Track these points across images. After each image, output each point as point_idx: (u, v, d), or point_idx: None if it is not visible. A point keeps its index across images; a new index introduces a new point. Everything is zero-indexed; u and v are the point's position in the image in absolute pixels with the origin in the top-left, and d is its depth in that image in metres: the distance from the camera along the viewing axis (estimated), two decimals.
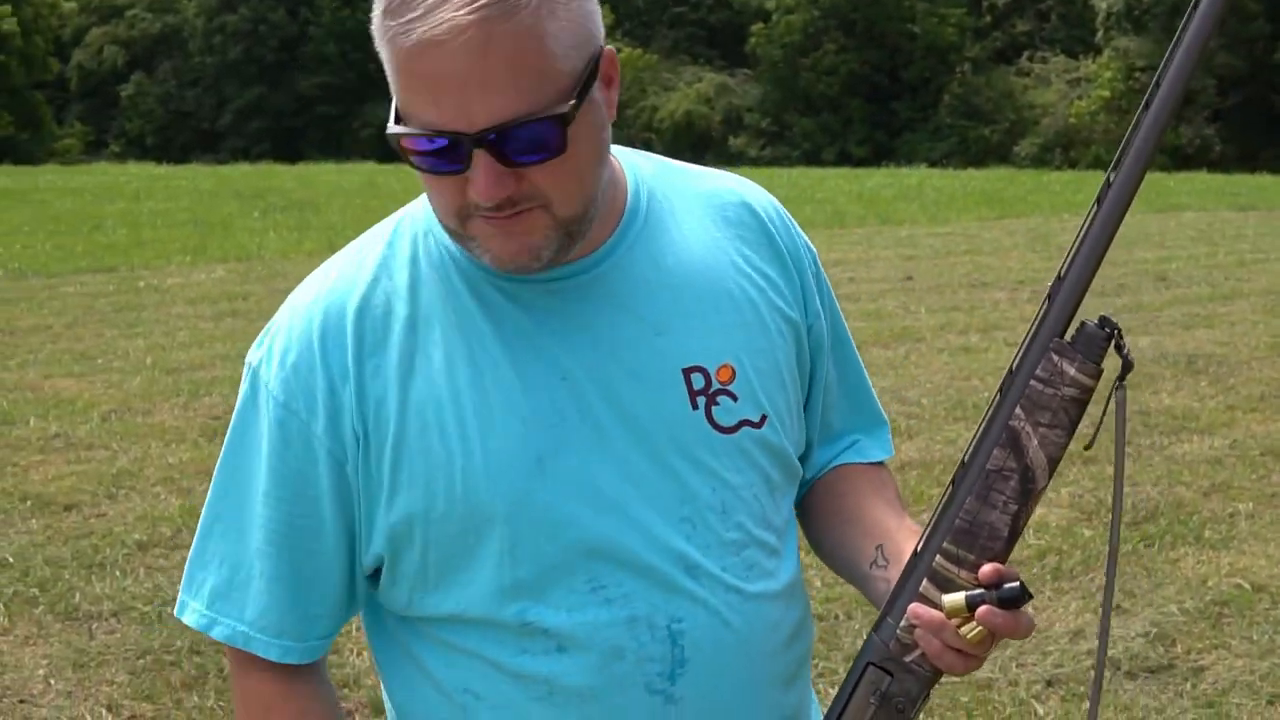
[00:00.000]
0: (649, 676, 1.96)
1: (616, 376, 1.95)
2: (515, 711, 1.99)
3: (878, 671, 1.92)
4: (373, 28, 1.78)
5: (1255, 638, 6.58)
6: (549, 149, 1.74)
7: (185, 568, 2.06)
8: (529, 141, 1.73)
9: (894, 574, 1.98)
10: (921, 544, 1.91)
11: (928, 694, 1.94)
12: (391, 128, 1.80)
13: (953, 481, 1.89)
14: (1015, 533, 1.86)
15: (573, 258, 1.92)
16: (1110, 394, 1.85)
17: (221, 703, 5.92)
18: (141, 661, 6.32)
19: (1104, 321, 1.83)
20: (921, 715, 1.97)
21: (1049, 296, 1.83)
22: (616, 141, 1.99)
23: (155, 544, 7.82)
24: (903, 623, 1.89)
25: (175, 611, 2.08)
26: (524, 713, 1.98)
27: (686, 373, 1.98)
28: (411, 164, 1.81)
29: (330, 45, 73.40)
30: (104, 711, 5.89)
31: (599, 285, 1.97)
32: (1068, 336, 1.84)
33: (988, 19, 71.92)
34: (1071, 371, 1.81)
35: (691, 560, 1.97)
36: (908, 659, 1.90)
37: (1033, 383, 1.82)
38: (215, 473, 2.05)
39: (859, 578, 2.14)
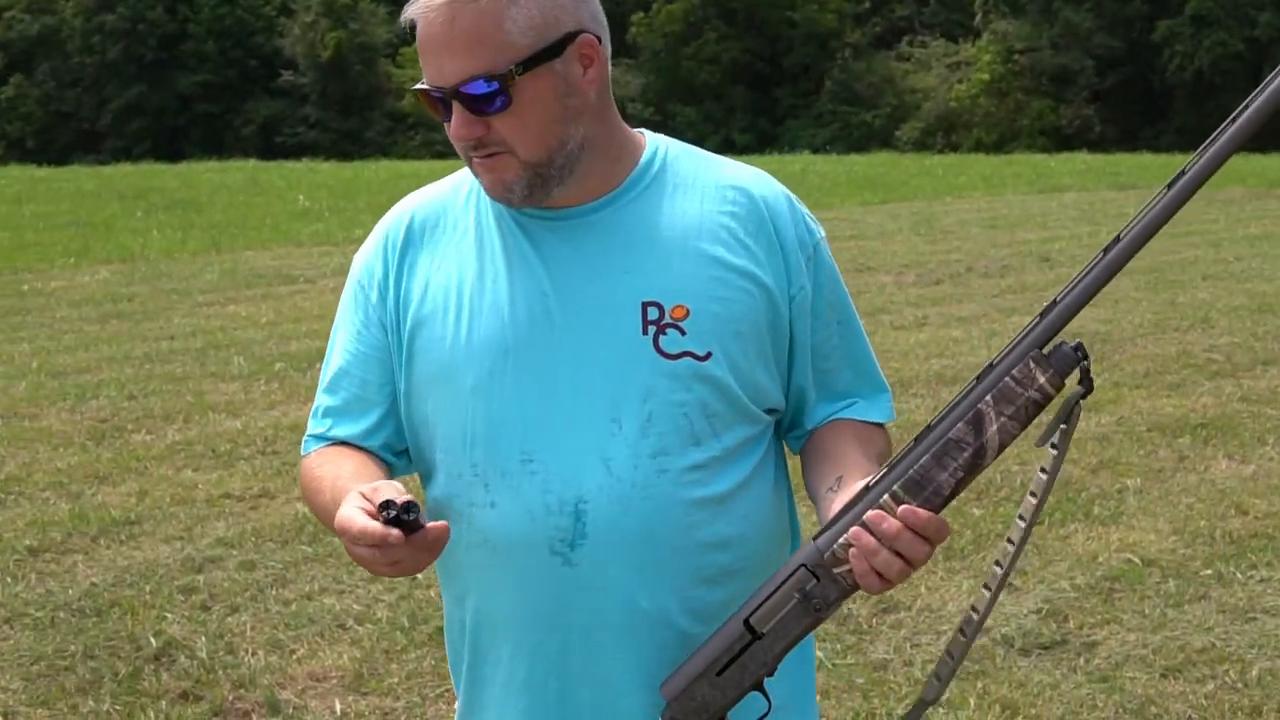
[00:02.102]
0: (552, 540, 2.42)
1: (585, 299, 2.45)
2: (470, 551, 2.50)
3: (807, 573, 2.26)
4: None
5: (1147, 611, 6.66)
6: (496, 103, 2.33)
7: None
8: (481, 96, 2.32)
9: (843, 499, 2.32)
10: (875, 480, 2.24)
11: (840, 603, 2.28)
12: (414, 87, 2.44)
13: (916, 439, 2.21)
14: (953, 495, 2.19)
15: (573, 202, 2.49)
16: (1070, 405, 2.18)
17: (117, 707, 5.88)
18: (35, 668, 6.26)
19: (1078, 347, 2.16)
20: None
21: (1041, 314, 2.15)
22: None
23: (45, 549, 7.74)
24: (842, 539, 2.22)
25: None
26: (473, 554, 2.51)
27: (644, 305, 2.44)
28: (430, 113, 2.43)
29: (210, 43, 72.69)
30: None
31: (591, 229, 2.50)
32: (1047, 350, 2.16)
33: (867, 4, 72.22)
34: (1041, 379, 2.14)
35: (608, 454, 2.41)
36: (836, 570, 2.24)
37: (1007, 379, 2.16)
38: (331, 333, 2.70)
39: (816, 498, 2.51)
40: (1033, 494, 2.23)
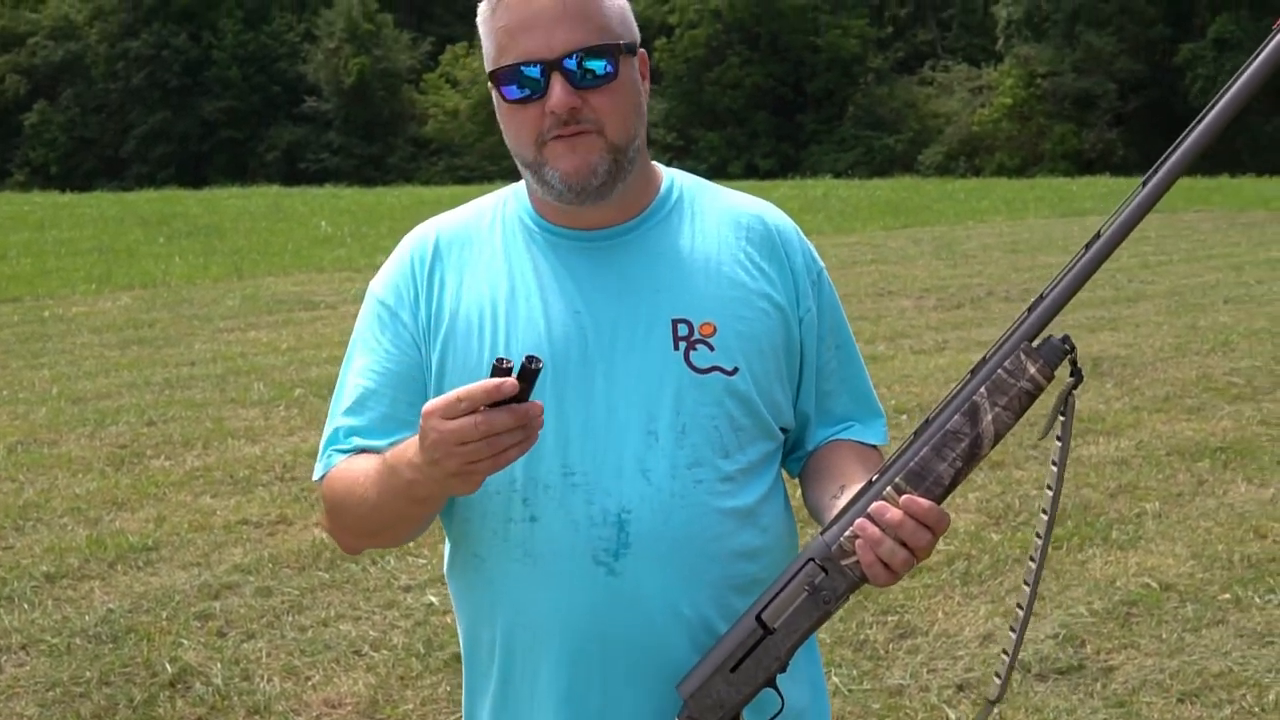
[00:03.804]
0: (596, 550, 2.48)
1: (617, 316, 2.53)
2: (502, 566, 2.55)
3: (815, 567, 2.34)
4: (481, 21, 2.49)
5: (1164, 636, 6.64)
6: (605, 74, 2.42)
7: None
8: (591, 65, 2.40)
9: (848, 498, 2.41)
10: (877, 475, 2.33)
11: (848, 596, 2.36)
12: (490, 66, 2.46)
13: (914, 433, 2.31)
14: (953, 485, 2.29)
15: (604, 224, 2.58)
16: (1064, 395, 2.29)
17: None
18: (51, 694, 6.26)
19: (1066, 339, 2.28)
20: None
21: (1030, 309, 2.26)
22: None
23: (63, 575, 7.75)
24: (848, 532, 2.31)
25: (314, 478, 2.71)
26: (507, 569, 2.55)
27: (674, 322, 2.54)
28: (505, 101, 2.45)
29: (234, 69, 72.94)
30: None
31: (620, 250, 2.58)
32: (1036, 343, 2.27)
33: (889, 29, 72.38)
34: (1032, 370, 2.25)
35: (648, 465, 2.48)
36: (844, 562, 2.33)
37: (999, 371, 2.26)
38: (341, 368, 2.71)
39: (820, 510, 2.59)
40: (1049, 487, 2.34)
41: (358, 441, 2.60)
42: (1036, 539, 2.35)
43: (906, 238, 26.46)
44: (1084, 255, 2.25)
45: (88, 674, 6.43)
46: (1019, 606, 2.41)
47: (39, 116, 73.32)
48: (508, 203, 2.69)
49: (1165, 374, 12.67)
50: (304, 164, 69.09)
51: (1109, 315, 16.14)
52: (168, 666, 6.47)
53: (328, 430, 2.67)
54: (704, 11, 68.62)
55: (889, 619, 6.91)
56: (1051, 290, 2.26)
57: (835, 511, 2.42)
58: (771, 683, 2.41)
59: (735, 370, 2.54)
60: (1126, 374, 12.69)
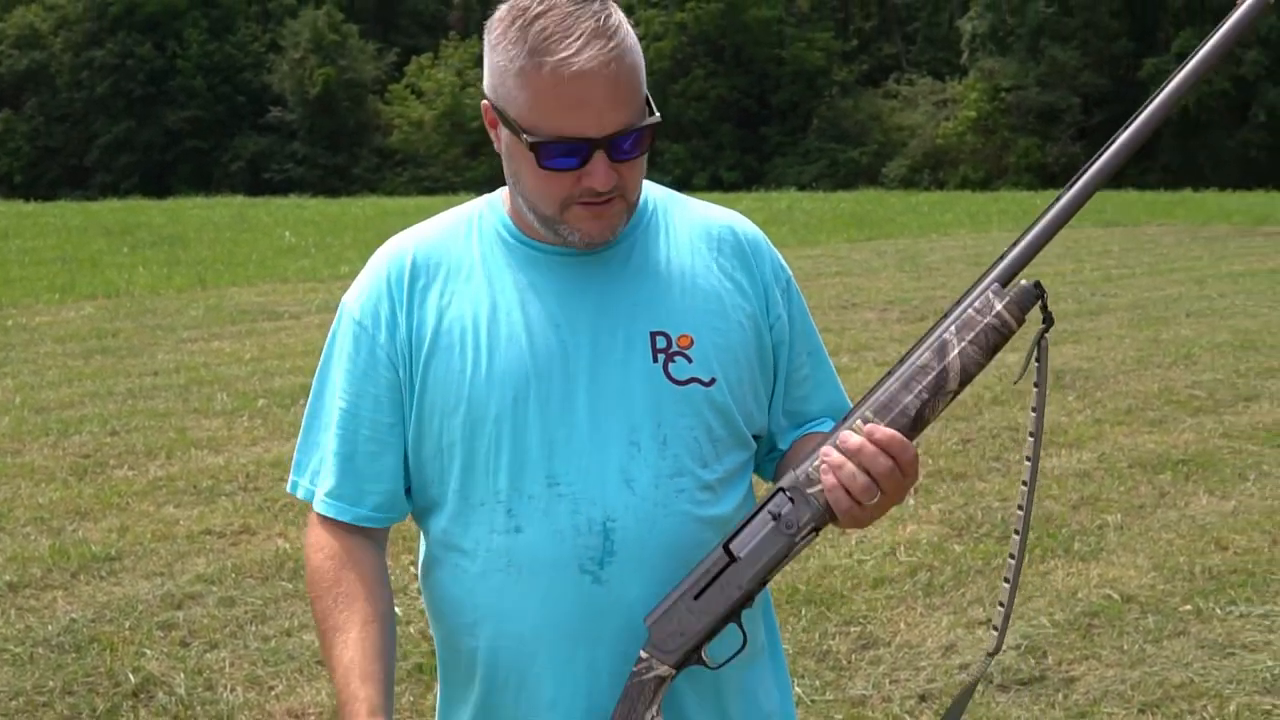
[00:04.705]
0: (582, 559, 2.51)
1: (598, 330, 2.56)
2: (485, 577, 2.57)
3: (783, 496, 2.41)
4: (508, 62, 2.40)
5: (1125, 647, 6.67)
6: (640, 148, 2.46)
7: (294, 454, 2.74)
8: (633, 143, 2.43)
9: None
10: (854, 409, 2.42)
11: (816, 528, 2.42)
12: (531, 137, 2.39)
13: (887, 372, 2.39)
14: (921, 418, 2.36)
15: (558, 244, 2.56)
16: (1037, 339, 2.39)
17: None
18: (14, 704, 6.24)
19: (1036, 285, 2.37)
20: None
21: (1003, 255, 2.37)
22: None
23: (26, 584, 7.73)
24: (815, 461, 2.39)
25: (288, 488, 2.76)
26: (490, 580, 2.57)
27: (653, 334, 2.57)
28: (540, 165, 2.42)
29: (198, 79, 72.75)
30: None
31: (599, 265, 2.60)
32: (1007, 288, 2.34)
33: (854, 43, 72.51)
34: (998, 306, 2.33)
35: (631, 475, 2.52)
36: (809, 490, 2.39)
37: (969, 310, 2.34)
38: (313, 383, 2.73)
39: None
40: (1031, 434, 2.40)
41: (343, 494, 2.65)
42: (1022, 487, 2.41)
43: (870, 250, 26.52)
44: (1057, 203, 2.36)
45: (51, 683, 6.41)
46: (1010, 557, 2.50)
47: (3, 125, 73.14)
48: (483, 216, 2.70)
49: (1127, 386, 12.73)
50: (268, 174, 68.99)
51: (1071, 328, 16.19)
52: (131, 676, 6.46)
53: (312, 455, 2.71)
54: (669, 24, 68.62)
55: (851, 629, 6.94)
56: (1024, 236, 2.37)
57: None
58: (734, 616, 2.46)
59: (713, 381, 2.59)
60: (1089, 386, 12.75)
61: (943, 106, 65.34)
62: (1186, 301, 18.57)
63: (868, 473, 2.34)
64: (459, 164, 65.21)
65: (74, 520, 8.97)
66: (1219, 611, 7.09)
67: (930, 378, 2.34)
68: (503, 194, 2.70)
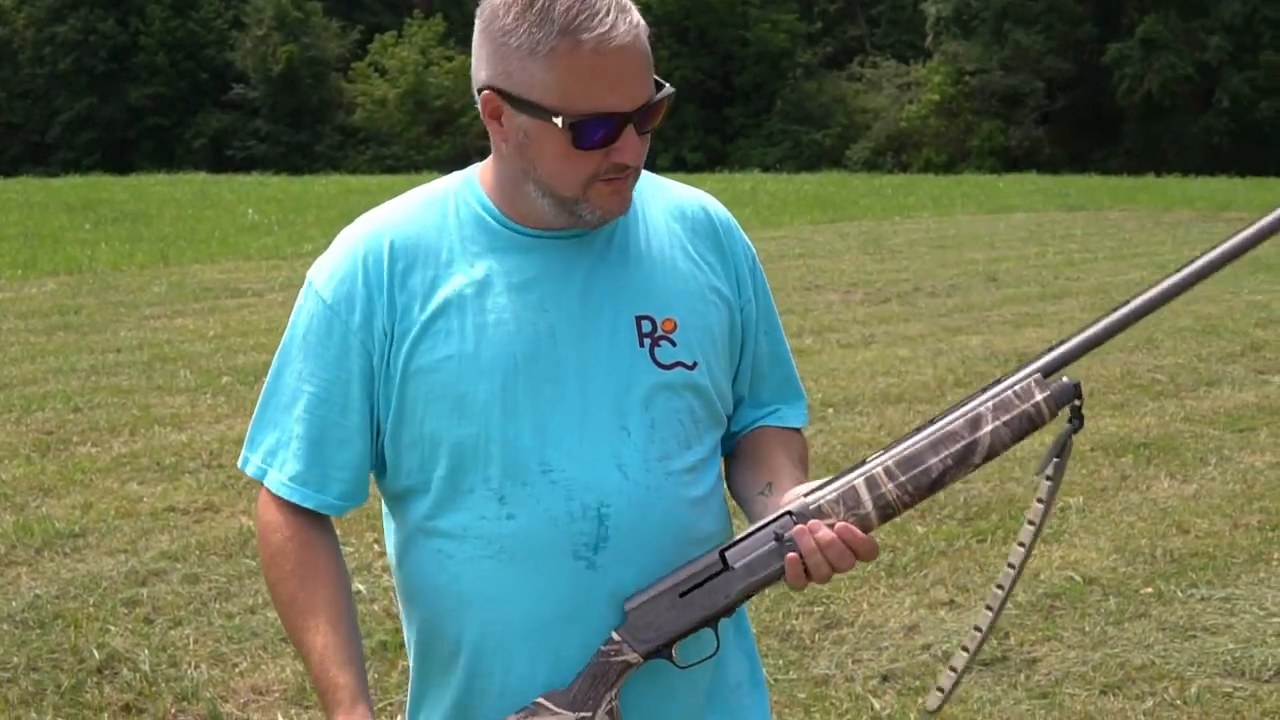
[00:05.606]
0: (576, 545, 2.52)
1: (584, 315, 2.56)
2: (473, 564, 2.56)
3: (790, 520, 2.45)
4: (530, 45, 2.37)
5: (1087, 629, 6.71)
6: (659, 119, 2.49)
7: (248, 431, 2.69)
8: (658, 115, 2.47)
9: (774, 503, 2.58)
10: (875, 454, 2.47)
11: None
12: (568, 117, 2.37)
13: (917, 428, 2.45)
14: (940, 483, 2.42)
15: (569, 225, 2.55)
16: (1063, 438, 2.48)
17: (59, 719, 5.87)
18: None
19: (1076, 386, 2.43)
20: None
21: (1052, 346, 2.44)
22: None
23: None
24: (830, 498, 2.45)
25: (239, 464, 2.72)
26: (479, 566, 2.55)
27: (638, 319, 2.59)
28: (577, 146, 2.40)
29: (161, 55, 72.19)
30: None
31: (583, 248, 2.59)
32: (1050, 377, 2.42)
33: (819, 25, 72.39)
34: (1039, 397, 2.41)
35: (623, 460, 2.54)
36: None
37: (1009, 392, 2.42)
38: (274, 360, 2.67)
39: (746, 501, 2.73)
40: (1030, 522, 2.48)
41: (303, 478, 2.61)
42: (1009, 568, 2.51)
43: (834, 232, 26.50)
44: (1124, 306, 2.42)
45: (14, 659, 6.41)
46: (976, 628, 2.59)
47: None
48: (459, 196, 2.65)
49: (1090, 370, 12.76)
50: (231, 151, 68.56)
51: (1033, 311, 16.26)
52: (95, 653, 6.46)
53: (268, 433, 2.66)
54: (635, 4, 68.42)
55: (815, 609, 6.96)
56: (1082, 331, 2.44)
57: (760, 512, 2.61)
58: (713, 622, 2.51)
59: (695, 365, 2.62)
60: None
61: (906, 89, 65.27)
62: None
63: (832, 566, 2.43)
64: (422, 142, 64.84)
65: (37, 497, 8.96)
66: (1180, 594, 7.14)
67: (958, 446, 2.41)
68: (478, 174, 2.66)
